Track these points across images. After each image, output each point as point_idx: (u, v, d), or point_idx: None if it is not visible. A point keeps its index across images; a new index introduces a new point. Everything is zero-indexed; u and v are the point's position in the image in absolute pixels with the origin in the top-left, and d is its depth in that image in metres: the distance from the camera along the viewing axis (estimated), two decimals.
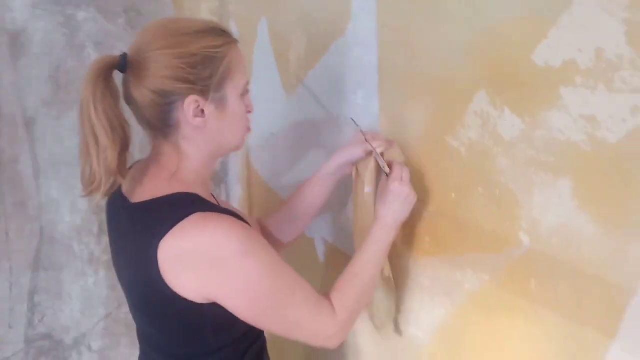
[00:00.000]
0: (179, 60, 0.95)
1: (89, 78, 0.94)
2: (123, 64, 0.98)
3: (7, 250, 1.47)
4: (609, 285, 0.87)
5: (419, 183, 1.15)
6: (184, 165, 1.02)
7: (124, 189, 1.05)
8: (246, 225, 0.97)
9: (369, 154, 1.18)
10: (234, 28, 1.72)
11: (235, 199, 1.85)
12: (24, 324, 1.53)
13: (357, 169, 1.22)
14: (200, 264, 0.91)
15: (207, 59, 0.97)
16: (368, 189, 1.18)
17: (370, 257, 1.09)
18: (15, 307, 1.51)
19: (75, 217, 1.58)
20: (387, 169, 1.12)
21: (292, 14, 1.47)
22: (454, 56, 1.05)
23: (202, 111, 0.99)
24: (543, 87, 0.92)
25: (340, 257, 1.45)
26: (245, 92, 1.05)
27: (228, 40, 1.01)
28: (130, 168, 1.08)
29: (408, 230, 1.18)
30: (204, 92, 0.98)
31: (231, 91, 1.01)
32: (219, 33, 1.00)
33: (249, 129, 1.09)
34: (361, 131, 1.19)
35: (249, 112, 1.07)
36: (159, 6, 1.61)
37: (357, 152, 1.21)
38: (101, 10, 1.50)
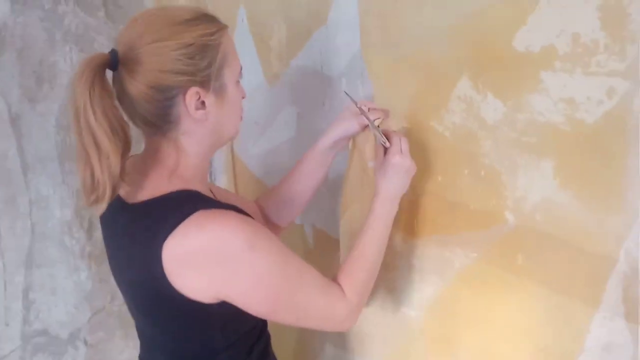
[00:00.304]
0: (176, 52, 0.91)
1: (83, 81, 0.89)
2: (114, 61, 0.93)
3: (0, 249, 1.48)
4: (591, 256, 0.92)
5: None
6: (184, 161, 0.99)
7: (120, 189, 0.99)
8: (249, 218, 0.95)
9: (366, 126, 1.17)
10: None
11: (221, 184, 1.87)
12: (19, 321, 1.54)
13: (354, 143, 1.20)
14: (208, 263, 0.89)
15: (204, 48, 0.93)
16: (371, 163, 1.18)
17: (375, 234, 1.08)
18: (10, 305, 1.52)
19: (65, 213, 1.59)
20: (386, 143, 1.11)
21: (271, 1, 1.49)
22: (437, 42, 1.09)
23: (203, 103, 0.96)
24: (524, 72, 0.96)
25: (329, 242, 1.48)
26: (240, 78, 1.03)
27: (220, 26, 0.97)
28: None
29: (397, 213, 1.22)
30: (204, 83, 0.95)
31: (229, 78, 0.99)
32: (210, 19, 0.97)
33: (241, 118, 1.07)
34: (356, 105, 1.16)
35: (244, 97, 1.05)
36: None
37: (352, 125, 1.19)
38: (79, 3, 1.49)
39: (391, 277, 1.28)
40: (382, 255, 1.10)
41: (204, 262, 0.89)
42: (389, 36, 1.18)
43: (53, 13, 1.46)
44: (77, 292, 1.64)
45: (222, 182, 1.83)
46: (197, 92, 0.94)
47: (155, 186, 0.97)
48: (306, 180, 1.27)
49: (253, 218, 0.98)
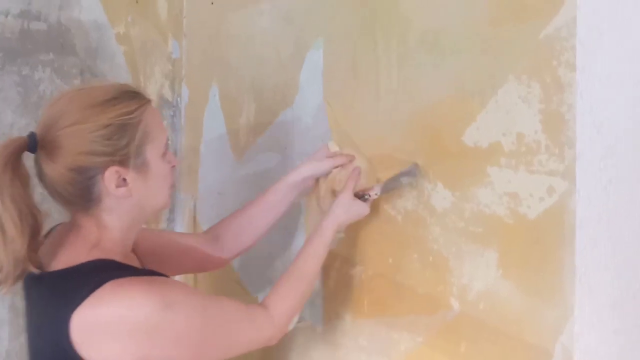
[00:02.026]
0: (92, 134, 0.93)
1: None
2: (32, 144, 0.94)
3: None
4: (530, 348, 0.95)
5: (359, 248, 1.22)
6: (106, 236, 0.99)
7: (41, 257, 0.98)
8: (161, 278, 0.97)
9: (335, 167, 1.22)
10: (185, 91, 1.78)
11: None
12: None
13: (317, 184, 1.25)
14: (121, 332, 0.88)
15: (122, 127, 0.94)
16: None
17: (303, 256, 1.11)
18: None
19: None
20: (376, 195, 1.16)
21: (242, 81, 1.55)
22: (392, 132, 1.15)
23: (125, 180, 0.96)
24: (472, 165, 1.02)
25: None
26: (166, 150, 1.02)
27: (141, 103, 0.98)
28: (51, 230, 1.06)
29: (347, 293, 1.24)
30: (123, 162, 0.95)
31: (151, 154, 0.98)
32: (131, 96, 0.98)
33: (173, 187, 1.07)
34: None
35: (173, 166, 1.05)
36: (114, 68, 1.67)
37: (324, 165, 1.22)
38: (57, 71, 1.54)
39: (339, 356, 1.28)
40: (311, 276, 1.12)
41: (117, 332, 0.88)
42: (349, 123, 1.24)
43: (29, 79, 1.50)
44: None
45: None
46: (117, 171, 0.95)
47: (72, 257, 0.96)
48: (267, 212, 1.27)
49: (167, 276, 1.00)
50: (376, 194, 1.15)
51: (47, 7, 1.52)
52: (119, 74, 1.67)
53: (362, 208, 1.15)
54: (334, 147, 1.25)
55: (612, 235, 0.88)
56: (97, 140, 0.93)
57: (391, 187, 1.15)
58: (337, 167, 1.22)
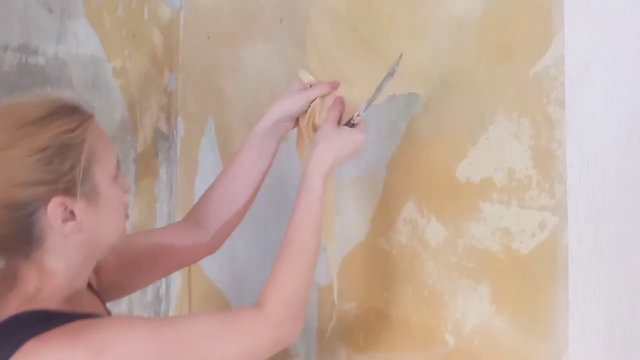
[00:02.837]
0: (28, 160, 0.77)
1: None
2: None
3: None
4: None
5: (353, 283, 1.22)
6: (47, 284, 0.83)
7: None
8: (94, 321, 0.81)
9: (312, 101, 1.04)
10: (181, 124, 1.79)
11: (175, 291, 1.85)
12: None
13: (299, 129, 1.07)
14: None
15: (62, 149, 0.79)
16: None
17: (293, 224, 0.93)
18: None
19: None
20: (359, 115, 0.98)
21: (237, 114, 1.57)
22: (384, 167, 1.16)
23: (72, 212, 0.81)
24: (465, 200, 1.03)
25: None
26: (117, 172, 0.88)
27: (83, 118, 0.83)
28: None
29: (342, 327, 1.24)
30: (69, 190, 0.79)
31: (101, 177, 0.83)
32: (70, 111, 0.82)
33: (127, 216, 0.92)
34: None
35: (126, 192, 0.91)
36: (110, 101, 1.68)
37: (296, 101, 1.04)
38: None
39: None
40: (316, 240, 0.93)
41: None
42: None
43: None
44: None
45: (177, 284, 1.82)
46: (62, 203, 0.79)
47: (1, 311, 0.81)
48: (245, 174, 1.09)
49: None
50: (363, 112, 0.97)
51: (45, 42, 1.54)
52: (115, 108, 1.69)
53: (353, 134, 0.96)
54: (306, 77, 1.06)
55: (603, 271, 0.89)
56: (34, 167, 0.77)
57: (376, 96, 0.97)
58: (314, 99, 1.04)
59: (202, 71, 1.70)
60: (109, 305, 1.00)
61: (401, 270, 1.14)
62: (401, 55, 0.97)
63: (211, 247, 1.14)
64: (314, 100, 1.04)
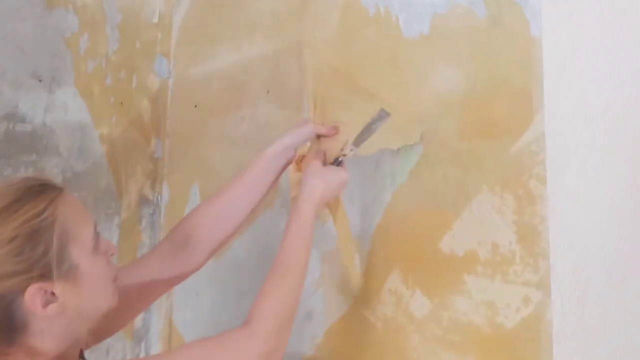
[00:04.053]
0: None
1: None
2: None
3: None
4: None
5: (338, 356, 1.21)
6: None
7: None
8: None
9: (318, 136, 1.16)
10: (166, 190, 1.80)
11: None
12: None
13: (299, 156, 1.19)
14: None
15: (32, 235, 0.76)
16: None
17: (283, 248, 0.96)
18: None
19: None
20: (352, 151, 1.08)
21: (221, 181, 1.57)
22: (371, 238, 1.16)
23: (53, 294, 0.78)
24: (449, 273, 1.03)
25: None
26: (97, 241, 0.84)
27: (52, 196, 0.80)
28: None
29: None
30: (45, 275, 0.76)
31: (79, 253, 0.80)
32: (36, 192, 0.79)
33: (115, 279, 0.88)
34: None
35: (112, 254, 0.89)
36: (95, 167, 1.69)
37: (305, 131, 1.14)
38: (38, 171, 1.56)
39: None
40: (304, 265, 0.97)
41: None
42: (330, 230, 1.26)
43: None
44: None
45: (156, 349, 1.79)
46: (40, 288, 0.76)
47: None
48: (248, 192, 1.12)
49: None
50: (351, 150, 1.07)
51: (34, 110, 1.55)
52: (101, 174, 1.69)
53: (339, 172, 1.04)
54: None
55: (587, 347, 0.89)
56: (5, 260, 0.75)
57: (364, 138, 1.06)
58: (319, 136, 1.15)
59: (189, 138, 1.72)
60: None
61: (386, 344, 1.13)
62: (386, 112, 1.06)
63: (198, 265, 1.13)
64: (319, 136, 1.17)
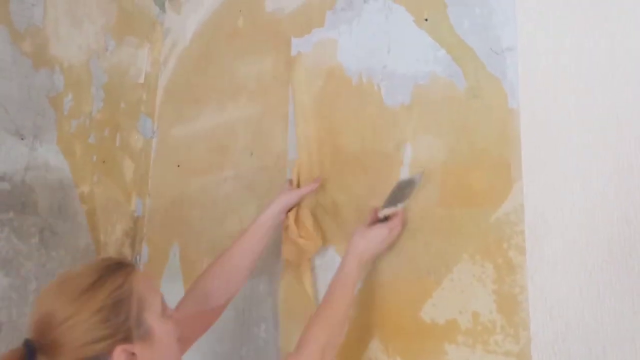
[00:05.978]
0: (89, 323, 0.89)
1: None
2: (31, 352, 0.89)
3: None
4: None
5: None
6: None
7: None
8: None
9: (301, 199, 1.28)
10: (145, 250, 1.78)
11: None
12: None
13: (287, 218, 1.29)
14: None
15: (116, 305, 0.91)
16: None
17: (327, 298, 1.06)
18: None
19: None
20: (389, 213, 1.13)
21: (204, 242, 1.56)
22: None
23: (133, 354, 0.92)
24: (430, 342, 1.02)
25: None
26: (164, 307, 0.99)
27: (127, 271, 0.96)
28: None
29: None
30: (127, 338, 0.91)
31: (152, 318, 0.95)
32: (115, 269, 0.95)
33: (181, 338, 1.02)
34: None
35: (171, 316, 1.01)
36: (74, 227, 1.67)
37: (293, 196, 1.27)
38: (16, 231, 1.53)
39: None
40: (345, 315, 1.06)
41: None
42: (306, 299, 1.25)
43: None
44: None
45: None
46: (124, 349, 0.91)
47: None
48: (250, 255, 1.26)
49: None
50: (382, 214, 1.13)
51: (13, 168, 1.54)
52: (79, 233, 1.67)
53: (379, 230, 1.11)
54: (294, 176, 1.31)
55: None
56: (96, 327, 0.89)
57: (398, 199, 1.11)
58: (306, 194, 1.28)
59: (171, 198, 1.71)
60: None
61: None
62: (423, 172, 1.10)
63: (218, 316, 1.26)
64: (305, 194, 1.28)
